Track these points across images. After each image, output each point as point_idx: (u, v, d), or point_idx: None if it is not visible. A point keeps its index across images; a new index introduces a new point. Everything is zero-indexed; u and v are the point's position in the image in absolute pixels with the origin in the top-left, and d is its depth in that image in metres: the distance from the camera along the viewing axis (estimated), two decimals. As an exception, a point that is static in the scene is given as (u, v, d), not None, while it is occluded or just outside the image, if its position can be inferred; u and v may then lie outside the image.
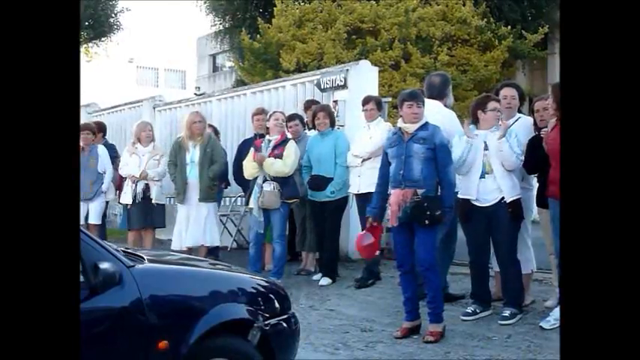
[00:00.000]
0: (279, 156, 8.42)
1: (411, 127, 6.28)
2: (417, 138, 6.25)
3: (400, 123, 6.39)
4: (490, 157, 6.53)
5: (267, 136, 8.59)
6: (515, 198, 6.55)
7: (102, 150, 10.24)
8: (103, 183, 10.06)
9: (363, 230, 6.64)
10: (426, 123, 6.35)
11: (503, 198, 6.52)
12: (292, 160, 8.47)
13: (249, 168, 8.64)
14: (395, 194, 6.24)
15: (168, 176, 9.56)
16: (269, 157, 8.42)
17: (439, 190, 6.24)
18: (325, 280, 8.65)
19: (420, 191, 6.16)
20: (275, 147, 8.48)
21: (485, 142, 6.55)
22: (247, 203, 8.89)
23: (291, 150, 8.50)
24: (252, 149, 8.63)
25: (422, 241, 6.24)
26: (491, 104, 6.68)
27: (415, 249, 6.30)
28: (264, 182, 8.44)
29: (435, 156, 6.22)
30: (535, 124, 6.92)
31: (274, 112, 8.93)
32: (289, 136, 9.01)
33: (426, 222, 6.15)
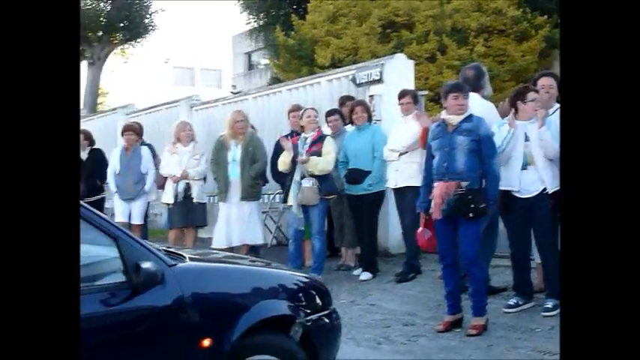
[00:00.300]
0: (317, 153, 8.45)
1: (455, 119, 6.24)
2: (461, 130, 6.21)
3: (444, 114, 6.35)
4: (531, 148, 6.49)
5: (303, 134, 8.60)
6: (557, 189, 6.49)
7: (145, 150, 10.35)
8: (145, 183, 10.15)
9: (419, 226, 6.58)
10: (471, 115, 6.31)
11: (545, 189, 6.46)
12: (333, 157, 8.52)
13: (284, 161, 8.76)
14: (439, 187, 6.19)
15: (210, 175, 9.61)
16: (307, 153, 8.45)
17: (483, 183, 6.20)
18: (366, 275, 8.65)
19: (463, 184, 6.11)
20: (312, 144, 8.49)
21: (525, 133, 6.50)
22: (285, 200, 8.92)
23: (331, 146, 8.53)
24: (287, 144, 8.70)
25: (466, 234, 6.21)
26: (531, 94, 6.63)
27: (459, 242, 6.27)
28: (302, 179, 8.45)
29: (480, 148, 6.18)
30: None
31: (306, 109, 8.95)
32: (326, 132, 9.03)
33: (470, 215, 6.11)
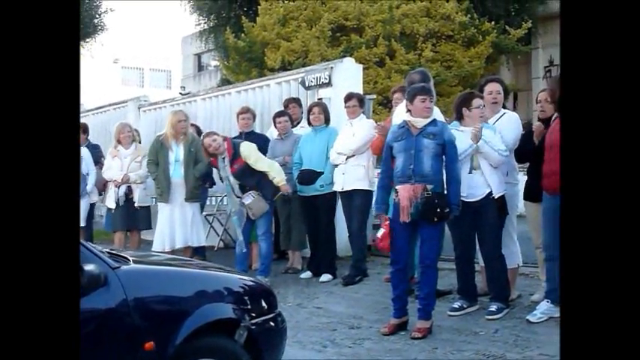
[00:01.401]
0: (241, 169, 8.33)
1: (421, 122, 6.25)
2: (426, 133, 6.22)
3: (408, 117, 6.34)
4: (477, 151, 6.55)
5: (219, 156, 8.42)
6: (502, 193, 6.59)
7: (85, 152, 10.19)
8: (87, 184, 10.03)
9: (378, 228, 6.59)
10: (435, 119, 6.35)
11: (490, 193, 6.54)
12: (259, 157, 8.47)
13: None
14: (405, 189, 6.17)
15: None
16: (231, 172, 8.38)
17: (444, 187, 6.24)
18: (326, 277, 8.65)
19: (429, 187, 6.13)
20: (232, 162, 8.39)
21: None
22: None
23: (247, 151, 8.39)
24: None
25: (428, 238, 6.25)
26: (476, 101, 6.70)
27: (420, 245, 6.31)
28: (243, 197, 8.39)
29: (444, 152, 6.22)
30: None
31: (207, 134, 8.66)
32: (274, 134, 9.02)
33: (435, 219, 6.16)
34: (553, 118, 6.45)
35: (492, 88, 7.11)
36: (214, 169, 9.18)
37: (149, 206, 9.70)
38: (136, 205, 9.40)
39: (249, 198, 8.35)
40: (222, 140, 8.44)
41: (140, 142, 10.28)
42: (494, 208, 6.56)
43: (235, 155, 8.38)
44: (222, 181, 8.86)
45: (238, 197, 8.42)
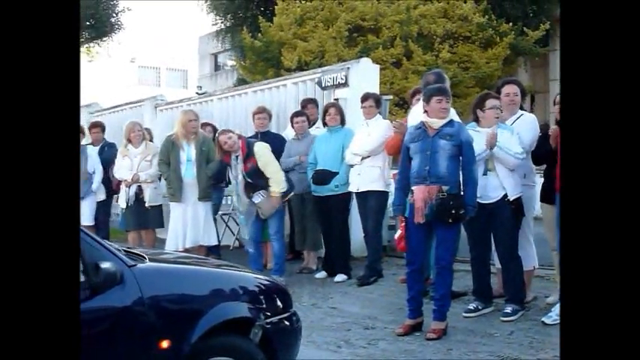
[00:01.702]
0: (254, 168, 8.32)
1: (437, 123, 6.24)
2: (443, 134, 6.20)
3: (425, 118, 6.33)
4: (492, 155, 6.54)
5: (233, 154, 8.45)
6: (517, 196, 6.57)
7: (91, 150, 10.23)
8: (92, 183, 10.06)
9: (394, 229, 6.55)
10: (452, 119, 6.34)
11: (505, 195, 6.52)
12: (270, 161, 8.45)
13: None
14: (420, 190, 6.16)
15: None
16: (244, 171, 8.36)
17: (461, 188, 6.23)
18: (341, 277, 8.65)
19: (444, 188, 6.11)
20: (245, 160, 8.38)
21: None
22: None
23: (261, 152, 8.41)
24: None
25: (443, 239, 6.24)
26: (490, 102, 6.68)
27: (436, 247, 6.31)
28: (252, 197, 8.39)
29: (460, 153, 6.20)
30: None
31: (222, 131, 8.67)
32: (291, 134, 9.02)
33: (450, 220, 6.15)
34: None
35: (509, 89, 7.10)
36: (229, 168, 9.20)
37: (160, 205, 9.70)
38: (146, 204, 9.39)
39: (258, 197, 8.37)
40: (237, 138, 8.45)
41: (152, 141, 10.28)
42: (510, 210, 6.54)
43: (249, 154, 8.38)
44: (230, 181, 8.91)
45: (249, 197, 8.43)
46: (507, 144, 6.49)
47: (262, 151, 8.44)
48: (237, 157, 8.42)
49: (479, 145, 6.40)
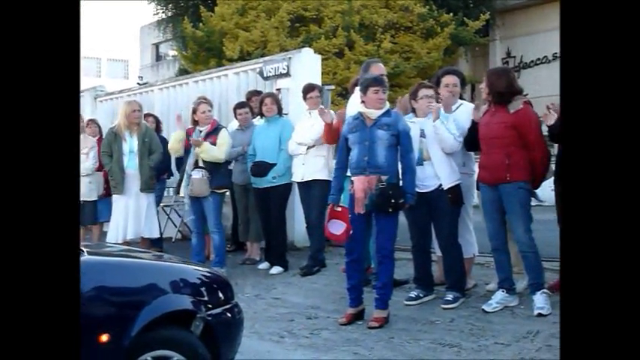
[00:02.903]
0: (213, 144, 8.40)
1: (375, 113, 6.26)
2: (380, 124, 6.23)
3: (362, 108, 6.34)
4: (427, 145, 6.60)
5: (198, 127, 8.54)
6: (453, 184, 6.63)
7: None
8: None
9: (327, 219, 6.49)
10: (389, 109, 6.37)
11: (441, 184, 6.59)
12: (226, 148, 8.47)
13: (173, 142, 8.69)
14: (359, 180, 6.18)
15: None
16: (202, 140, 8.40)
17: (399, 178, 6.26)
18: (276, 269, 8.64)
19: (384, 178, 6.14)
20: (207, 135, 8.44)
21: (421, 130, 6.62)
22: (178, 192, 8.86)
23: (225, 138, 8.49)
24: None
25: (383, 229, 6.26)
26: (422, 91, 6.75)
27: (376, 236, 6.33)
28: (193, 170, 8.38)
29: (398, 143, 6.23)
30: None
31: (200, 102, 8.71)
32: (234, 125, 8.99)
33: (390, 210, 6.18)
34: (483, 110, 6.53)
35: (449, 80, 7.15)
36: (171, 160, 9.16)
37: (95, 201, 9.54)
38: (81, 199, 9.09)
39: (197, 173, 8.37)
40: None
41: (100, 132, 10.15)
42: (447, 198, 6.60)
43: (214, 132, 8.48)
44: (172, 174, 9.02)
45: (191, 171, 8.43)
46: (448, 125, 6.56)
47: (227, 136, 8.56)
48: (200, 130, 8.47)
49: (415, 136, 6.46)
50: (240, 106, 9.32)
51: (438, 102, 6.77)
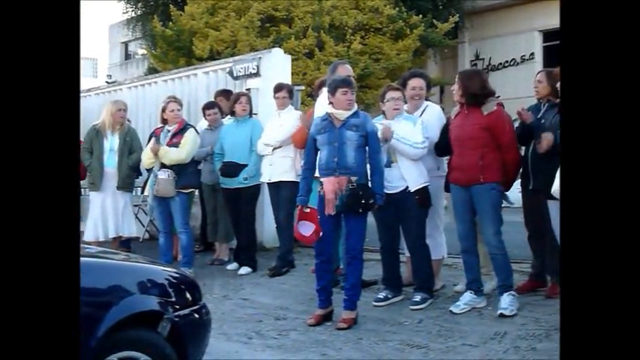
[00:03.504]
0: (177, 145, 8.34)
1: (343, 114, 6.25)
2: (349, 125, 6.22)
3: (330, 109, 6.33)
4: (392, 147, 6.62)
5: (167, 126, 8.50)
6: (420, 186, 6.64)
7: None
8: None
9: (297, 220, 6.46)
10: (357, 111, 6.37)
11: (408, 186, 6.60)
12: (189, 148, 8.38)
13: (145, 158, 8.58)
14: (330, 182, 6.17)
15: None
16: (167, 145, 8.33)
17: (368, 178, 6.26)
18: (245, 269, 8.62)
19: (353, 179, 6.14)
20: (174, 135, 8.39)
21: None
22: (143, 191, 8.82)
23: (190, 137, 8.41)
24: (152, 139, 8.57)
25: (353, 229, 6.26)
26: (389, 94, 6.76)
27: (346, 237, 6.33)
28: (159, 170, 8.33)
29: (366, 144, 6.24)
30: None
31: (169, 101, 8.66)
32: (204, 125, 8.96)
33: (360, 210, 6.18)
34: (455, 112, 6.56)
35: (416, 83, 7.18)
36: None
37: None
38: None
39: (163, 174, 8.30)
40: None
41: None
42: (414, 200, 6.61)
43: (181, 131, 8.40)
44: (141, 173, 8.99)
45: (158, 171, 8.36)
46: (407, 134, 6.56)
47: (193, 136, 8.48)
48: (169, 130, 8.43)
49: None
50: (208, 106, 9.29)
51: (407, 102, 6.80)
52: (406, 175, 6.60)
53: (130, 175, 9.16)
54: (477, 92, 6.34)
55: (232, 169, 8.59)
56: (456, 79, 6.56)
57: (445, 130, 6.76)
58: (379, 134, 6.44)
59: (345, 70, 7.35)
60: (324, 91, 6.82)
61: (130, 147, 9.09)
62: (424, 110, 7.06)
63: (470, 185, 6.32)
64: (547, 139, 6.18)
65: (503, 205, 6.49)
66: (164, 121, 8.55)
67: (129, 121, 10.09)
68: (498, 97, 6.75)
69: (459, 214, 6.48)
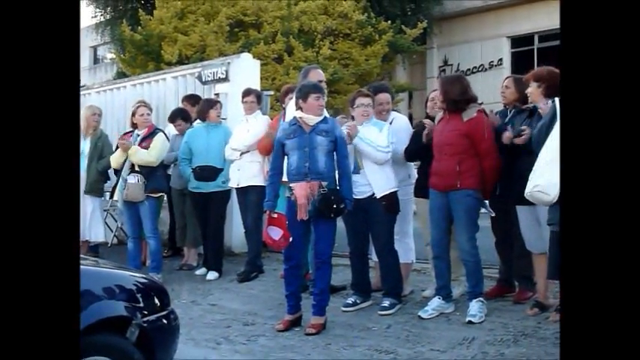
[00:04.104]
0: (147, 148, 8.32)
1: (314, 120, 6.26)
2: (319, 130, 6.23)
3: (299, 114, 6.32)
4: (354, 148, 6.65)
5: (136, 130, 8.47)
6: (387, 192, 6.67)
7: None
8: None
9: (266, 225, 6.43)
10: (325, 116, 6.38)
11: (373, 193, 6.64)
12: (158, 151, 8.36)
13: (115, 158, 8.56)
14: (302, 187, 6.17)
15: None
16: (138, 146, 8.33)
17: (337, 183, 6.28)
18: (212, 275, 8.60)
19: (324, 184, 6.16)
20: (143, 139, 8.36)
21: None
22: (112, 196, 8.78)
23: (159, 141, 8.39)
24: (122, 142, 8.54)
25: (323, 234, 6.28)
26: (358, 100, 6.80)
27: (316, 242, 6.35)
28: (129, 175, 8.30)
29: (335, 148, 6.25)
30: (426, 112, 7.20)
31: (139, 106, 8.67)
32: (173, 132, 8.96)
33: (332, 215, 6.20)
34: (439, 117, 6.59)
35: (383, 98, 7.20)
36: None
37: None
38: None
39: (133, 178, 8.27)
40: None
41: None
42: (380, 206, 6.63)
43: (150, 135, 8.39)
44: (110, 177, 9.06)
45: (127, 175, 8.32)
46: (371, 137, 6.59)
47: (162, 140, 8.47)
48: (138, 134, 8.40)
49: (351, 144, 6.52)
50: (171, 120, 9.37)
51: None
52: (372, 180, 6.62)
53: (98, 180, 9.17)
54: (456, 98, 6.33)
55: (209, 173, 8.55)
56: (438, 85, 6.60)
57: (415, 136, 6.80)
58: (344, 130, 6.48)
59: (317, 75, 7.36)
60: (292, 98, 6.84)
61: (100, 152, 9.12)
62: (391, 121, 7.08)
63: (447, 191, 6.34)
64: (507, 135, 6.25)
65: (483, 212, 6.51)
66: (134, 125, 8.52)
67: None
68: (481, 103, 6.77)
69: (435, 220, 6.48)
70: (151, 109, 8.74)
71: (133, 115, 8.52)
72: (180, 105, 9.91)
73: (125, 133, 8.68)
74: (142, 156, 8.22)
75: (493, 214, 6.61)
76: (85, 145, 9.11)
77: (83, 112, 9.30)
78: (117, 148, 8.57)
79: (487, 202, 6.53)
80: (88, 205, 9.10)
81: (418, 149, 6.81)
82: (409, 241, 7.21)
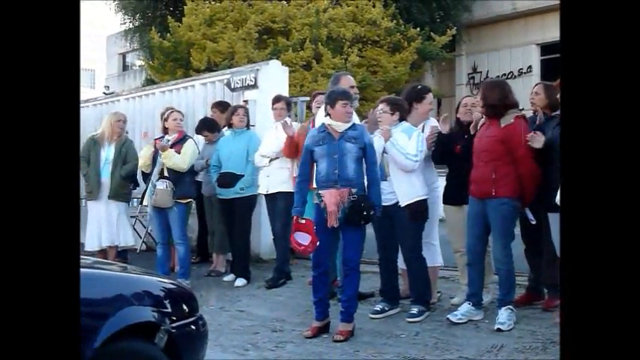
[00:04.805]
0: (177, 153, 8.39)
1: (342, 126, 6.26)
2: (348, 137, 6.23)
3: (329, 121, 6.33)
4: (387, 161, 6.63)
5: (167, 136, 8.52)
6: (412, 201, 6.63)
7: None
8: None
9: (293, 231, 6.43)
10: (354, 123, 6.38)
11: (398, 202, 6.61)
12: (189, 157, 8.45)
13: (142, 160, 8.70)
14: (331, 194, 6.16)
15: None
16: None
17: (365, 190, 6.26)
18: (240, 281, 8.61)
19: (354, 190, 6.15)
20: (173, 145, 8.41)
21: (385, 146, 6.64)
22: (142, 202, 8.86)
23: (189, 147, 8.48)
24: (157, 141, 8.61)
25: (352, 241, 6.27)
26: (380, 106, 6.81)
27: (344, 248, 6.34)
28: (157, 181, 8.35)
29: (364, 155, 6.24)
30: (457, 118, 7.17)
31: (172, 111, 8.82)
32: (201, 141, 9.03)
33: (362, 222, 6.20)
34: (480, 123, 6.54)
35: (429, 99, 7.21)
36: (139, 170, 9.12)
37: None
38: None
39: (162, 184, 8.33)
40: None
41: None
42: (406, 214, 6.59)
43: (181, 141, 8.47)
44: (139, 184, 9.24)
45: (156, 181, 8.39)
46: (401, 144, 6.57)
47: (192, 146, 8.57)
48: (168, 140, 8.46)
49: (378, 150, 6.50)
50: (198, 131, 9.43)
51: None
52: (396, 188, 6.60)
53: (122, 185, 9.23)
54: (495, 103, 6.28)
55: (228, 180, 8.59)
56: (480, 89, 6.57)
57: (440, 140, 6.79)
58: (379, 133, 6.47)
59: (348, 81, 7.34)
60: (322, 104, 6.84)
61: (124, 158, 9.18)
62: (423, 127, 7.06)
63: (484, 198, 6.29)
64: (537, 139, 6.21)
65: (529, 219, 6.46)
66: (164, 131, 8.58)
67: (126, 132, 10.13)
68: (522, 109, 6.71)
69: (470, 227, 6.44)
70: (183, 116, 8.83)
71: (166, 120, 8.60)
72: (209, 112, 9.97)
73: (156, 139, 8.73)
74: (175, 160, 8.28)
75: (534, 222, 6.51)
76: (110, 151, 9.22)
77: (108, 119, 9.44)
78: (155, 150, 8.58)
79: (527, 209, 6.45)
80: (113, 211, 9.19)
81: (443, 154, 6.78)
82: (436, 244, 7.17)
